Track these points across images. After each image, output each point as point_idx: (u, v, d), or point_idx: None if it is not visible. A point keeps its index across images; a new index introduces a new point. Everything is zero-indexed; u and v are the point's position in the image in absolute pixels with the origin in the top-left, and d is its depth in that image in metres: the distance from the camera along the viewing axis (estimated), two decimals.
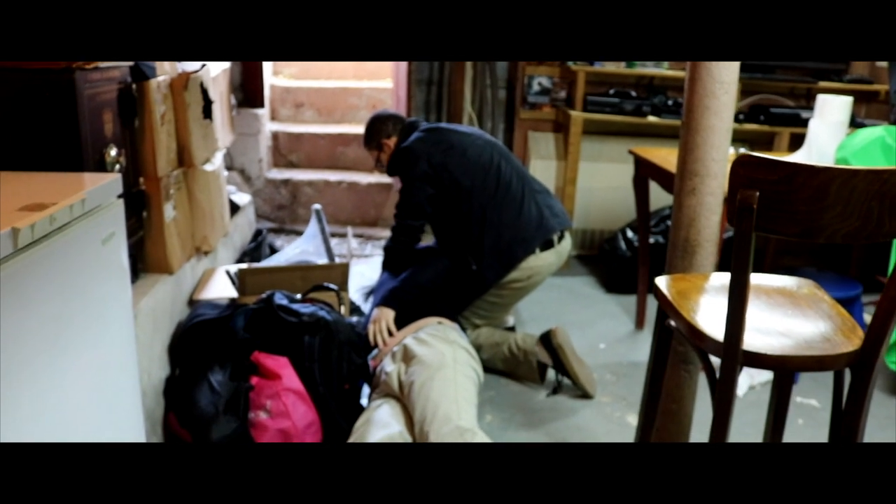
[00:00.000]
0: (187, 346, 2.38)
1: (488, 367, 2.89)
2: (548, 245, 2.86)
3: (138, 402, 1.76)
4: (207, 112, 2.68)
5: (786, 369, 1.77)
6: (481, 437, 2.08)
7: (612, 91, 4.10)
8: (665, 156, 2.99)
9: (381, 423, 2.23)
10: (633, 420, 2.60)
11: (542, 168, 4.22)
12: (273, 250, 3.72)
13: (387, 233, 4.32)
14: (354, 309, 3.07)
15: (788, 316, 1.63)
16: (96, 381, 1.49)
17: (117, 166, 2.01)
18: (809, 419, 2.66)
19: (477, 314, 2.98)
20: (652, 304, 1.81)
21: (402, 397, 2.35)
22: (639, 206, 3.31)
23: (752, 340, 1.49)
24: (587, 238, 4.38)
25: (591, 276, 4.11)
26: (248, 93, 4.71)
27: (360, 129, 4.89)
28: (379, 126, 3.06)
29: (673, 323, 1.72)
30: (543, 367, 2.84)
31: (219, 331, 2.38)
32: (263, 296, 2.50)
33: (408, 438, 2.18)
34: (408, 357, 2.43)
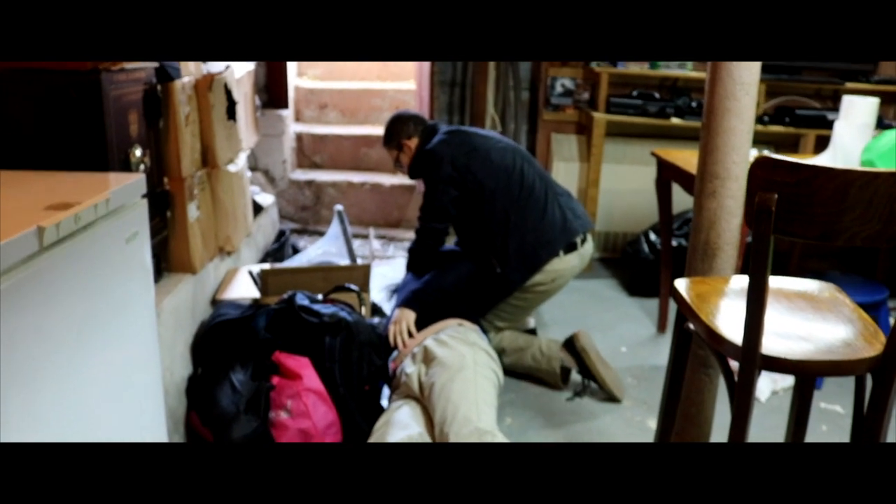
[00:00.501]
0: (209, 346, 2.41)
1: (511, 371, 2.89)
2: (571, 248, 2.86)
3: (161, 400, 1.78)
4: (231, 113, 2.70)
5: (806, 374, 1.75)
6: (501, 439, 2.09)
7: (635, 93, 4.08)
8: (687, 158, 2.98)
9: (401, 425, 2.24)
10: (653, 424, 2.59)
11: (565, 170, 4.21)
12: (296, 251, 3.75)
13: (409, 234, 4.34)
14: (376, 310, 3.09)
15: (809, 320, 1.62)
16: (119, 379, 1.51)
17: (142, 166, 2.04)
18: (833, 425, 2.63)
19: (499, 317, 2.98)
20: (675, 308, 1.80)
21: (422, 398, 2.36)
22: (661, 208, 3.30)
23: (772, 344, 1.48)
24: (610, 240, 4.37)
25: (613, 278, 4.09)
26: (273, 94, 4.75)
27: (383, 131, 4.96)
28: (399, 126, 3.06)
29: (692, 326, 1.71)
30: (566, 371, 2.83)
31: (241, 330, 2.40)
32: (285, 296, 2.52)
33: (427, 439, 2.19)
34: (428, 358, 2.44)
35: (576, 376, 2.85)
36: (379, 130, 4.97)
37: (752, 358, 1.45)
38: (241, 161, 2.96)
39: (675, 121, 3.96)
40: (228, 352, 2.36)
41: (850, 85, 4.02)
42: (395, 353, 2.65)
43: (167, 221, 2.33)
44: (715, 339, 1.54)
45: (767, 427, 2.52)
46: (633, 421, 2.63)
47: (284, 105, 4.76)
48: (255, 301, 2.70)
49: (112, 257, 1.47)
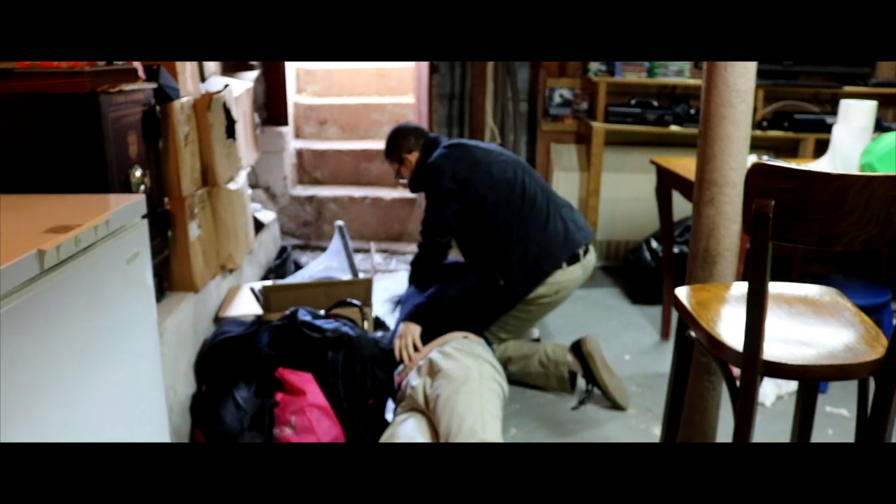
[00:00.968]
0: (213, 363, 2.42)
1: (517, 381, 2.89)
2: (574, 259, 2.87)
3: (164, 418, 1.79)
4: (231, 131, 2.72)
5: (808, 379, 1.75)
6: None
7: (633, 101, 4.09)
8: (686, 165, 2.98)
9: (407, 437, 2.24)
10: (658, 432, 2.58)
11: (566, 180, 4.22)
12: (298, 267, 3.76)
13: (411, 248, 4.35)
14: (379, 324, 3.09)
15: (810, 325, 1.62)
16: (123, 398, 1.52)
17: (142, 187, 2.05)
18: (839, 429, 2.62)
19: (503, 329, 2.98)
20: (677, 315, 1.80)
21: (428, 411, 2.36)
22: (662, 216, 3.30)
23: (773, 350, 1.48)
24: (612, 249, 4.37)
25: (616, 287, 4.09)
26: (272, 111, 4.77)
27: (383, 145, 4.96)
28: (400, 140, 3.06)
29: (693, 334, 1.71)
30: (574, 376, 2.83)
31: (244, 348, 2.40)
32: (287, 312, 2.53)
33: None
34: (433, 371, 2.44)
35: (581, 383, 2.84)
36: (379, 145, 4.99)
37: (754, 364, 1.45)
38: (242, 179, 2.97)
39: (674, 128, 3.96)
40: (232, 369, 2.36)
41: (847, 88, 4.02)
42: (400, 367, 2.65)
43: (168, 241, 2.34)
44: (716, 346, 1.54)
45: (773, 432, 2.51)
46: (637, 429, 2.63)
47: (284, 122, 4.78)
48: (258, 318, 2.70)
49: (113, 278, 1.47)
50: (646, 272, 3.80)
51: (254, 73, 4.24)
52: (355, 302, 2.76)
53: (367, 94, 5.53)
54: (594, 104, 4.14)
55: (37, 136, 1.82)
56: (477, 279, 2.90)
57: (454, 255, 3.12)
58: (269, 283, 2.96)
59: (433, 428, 2.30)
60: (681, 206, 3.32)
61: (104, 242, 1.43)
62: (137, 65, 2.12)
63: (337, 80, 5.53)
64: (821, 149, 3.66)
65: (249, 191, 3.35)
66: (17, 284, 1.14)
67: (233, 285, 2.94)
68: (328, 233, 4.64)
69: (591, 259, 2.95)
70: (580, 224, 2.95)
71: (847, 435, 2.58)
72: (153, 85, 2.19)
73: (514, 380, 2.87)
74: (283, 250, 3.88)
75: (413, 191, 3.09)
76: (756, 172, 1.36)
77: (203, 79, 3.04)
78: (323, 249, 4.17)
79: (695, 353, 1.91)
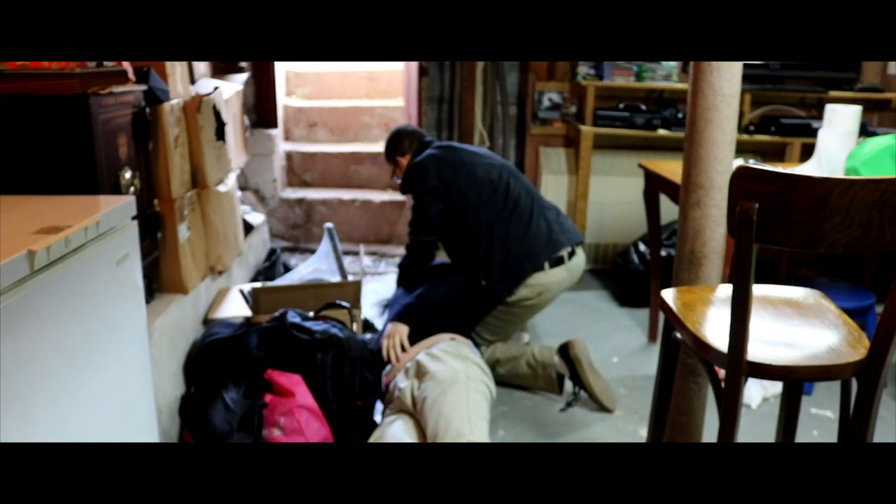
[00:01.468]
0: (202, 365, 2.42)
1: (505, 382, 2.90)
2: (558, 262, 2.87)
3: (153, 420, 1.79)
4: (220, 134, 2.72)
5: (791, 379, 1.77)
6: None
7: (621, 105, 4.12)
8: (674, 169, 3.00)
9: (395, 439, 2.25)
10: (645, 433, 2.60)
11: (554, 183, 4.24)
12: (287, 269, 3.76)
13: (400, 250, 4.35)
14: (368, 326, 3.10)
15: (794, 326, 1.64)
16: (112, 399, 1.52)
17: (132, 188, 2.05)
18: (824, 430, 2.65)
19: (489, 330, 2.99)
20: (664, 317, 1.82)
21: (415, 413, 2.37)
22: (650, 219, 3.33)
23: (758, 351, 1.50)
24: (600, 252, 4.39)
25: (604, 289, 4.11)
26: (262, 113, 4.77)
27: (372, 148, 4.99)
28: (395, 143, 3.11)
29: (679, 335, 1.73)
30: (561, 378, 2.85)
31: (233, 349, 2.41)
32: (276, 314, 2.53)
33: None
34: (421, 373, 2.45)
35: (568, 385, 2.86)
36: (368, 148, 5.03)
37: (738, 365, 1.46)
38: (231, 181, 2.97)
39: (662, 132, 3.99)
40: (221, 370, 2.36)
41: (833, 93, 4.06)
42: (388, 368, 2.66)
43: (158, 242, 2.35)
44: (701, 348, 1.56)
45: (759, 434, 2.53)
46: (625, 430, 2.65)
47: (273, 124, 4.78)
48: (247, 319, 2.71)
49: (103, 279, 1.48)
50: (634, 275, 3.83)
51: (243, 76, 4.24)
52: (344, 304, 2.77)
53: (356, 96, 5.54)
54: (583, 108, 4.17)
55: (27, 138, 1.82)
56: (464, 280, 2.92)
57: (442, 258, 3.13)
58: (258, 285, 2.97)
59: (421, 429, 2.31)
60: (669, 210, 3.34)
61: (94, 243, 1.44)
62: (127, 67, 2.13)
63: (326, 82, 5.54)
64: (807, 153, 3.70)
65: (239, 193, 3.35)
66: (7, 285, 1.15)
67: (222, 287, 2.94)
68: (317, 235, 4.64)
69: (577, 262, 2.96)
70: (566, 227, 2.96)
71: (832, 436, 2.61)
72: (143, 87, 2.20)
73: (502, 381, 2.88)
74: (272, 252, 3.88)
75: (403, 192, 3.11)
76: (740, 176, 1.38)
77: (193, 81, 3.05)
78: (312, 252, 4.17)
79: (681, 355, 1.92)
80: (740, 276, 1.42)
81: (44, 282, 1.24)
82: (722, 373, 1.53)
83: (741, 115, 3.95)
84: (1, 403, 1.12)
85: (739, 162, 1.95)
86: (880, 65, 4.25)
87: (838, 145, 2.88)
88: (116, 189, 1.98)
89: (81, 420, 1.38)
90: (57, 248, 1.28)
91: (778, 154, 4.10)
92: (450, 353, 2.51)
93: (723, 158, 1.93)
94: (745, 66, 2.05)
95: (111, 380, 1.51)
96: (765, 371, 1.48)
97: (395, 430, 2.30)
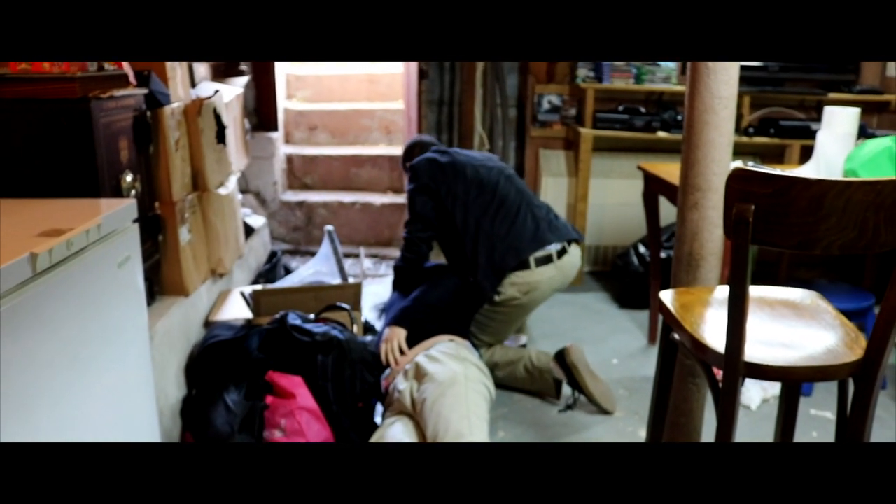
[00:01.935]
0: (203, 367, 2.43)
1: (504, 385, 2.91)
2: (545, 260, 2.87)
3: (155, 421, 1.80)
4: (221, 137, 2.73)
5: (788, 380, 1.78)
6: None
7: (621, 107, 4.12)
8: (673, 171, 3.01)
9: (395, 440, 2.26)
10: (645, 434, 2.60)
11: (554, 185, 4.25)
12: (288, 271, 3.77)
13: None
14: (368, 328, 3.11)
15: (792, 327, 1.64)
16: (113, 401, 1.53)
17: (133, 191, 2.06)
18: (823, 431, 2.66)
19: (482, 330, 2.98)
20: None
21: (415, 414, 2.38)
22: (649, 221, 3.34)
23: (755, 352, 1.51)
24: (600, 254, 4.40)
25: (604, 291, 4.12)
26: (262, 116, 4.78)
27: (372, 151, 5.01)
28: (408, 152, 3.27)
29: (678, 336, 1.74)
30: (559, 383, 2.85)
31: (234, 351, 2.42)
32: (277, 316, 2.54)
33: None
34: (420, 375, 2.46)
35: (567, 388, 2.86)
36: (369, 150, 5.05)
37: (735, 365, 1.47)
38: (232, 184, 2.99)
39: (661, 134, 4.00)
40: (222, 372, 2.37)
41: (832, 95, 4.07)
42: (387, 371, 2.67)
43: (159, 245, 2.36)
44: (699, 349, 1.57)
45: (759, 435, 2.54)
46: (624, 431, 2.65)
47: (274, 127, 4.80)
48: (248, 322, 2.72)
49: (104, 282, 1.49)
50: (633, 277, 3.84)
51: (244, 79, 4.25)
52: (345, 306, 2.78)
53: (356, 99, 5.55)
54: (582, 110, 4.18)
55: (28, 141, 1.83)
56: (459, 281, 2.93)
57: (438, 260, 3.15)
58: (259, 287, 2.98)
59: (421, 431, 2.31)
60: (668, 212, 3.35)
61: (96, 246, 1.45)
62: (128, 70, 2.14)
63: (327, 85, 5.55)
64: (806, 155, 3.71)
65: (240, 196, 3.36)
66: (9, 287, 1.16)
67: (223, 289, 2.95)
68: (318, 238, 4.65)
69: (569, 260, 2.93)
70: (556, 225, 2.94)
71: (830, 437, 2.61)
72: (144, 90, 2.21)
73: (500, 385, 2.88)
74: (273, 255, 3.89)
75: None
76: (736, 178, 1.39)
77: (193, 84, 3.06)
78: (313, 254, 4.18)
79: (679, 356, 1.93)
80: (737, 278, 1.43)
81: (46, 284, 1.25)
82: (719, 374, 1.54)
83: (740, 117, 3.96)
84: (3, 405, 1.13)
85: (738, 164, 1.96)
86: (879, 67, 4.25)
87: (837, 147, 2.89)
88: (117, 192, 1.99)
89: (83, 422, 1.39)
90: (59, 251, 1.30)
91: (777, 156, 4.11)
92: (448, 354, 2.52)
93: (720, 160, 1.94)
94: (744, 68, 2.06)
95: (113, 382, 1.52)
96: (761, 372, 1.49)
97: (395, 432, 2.31)
